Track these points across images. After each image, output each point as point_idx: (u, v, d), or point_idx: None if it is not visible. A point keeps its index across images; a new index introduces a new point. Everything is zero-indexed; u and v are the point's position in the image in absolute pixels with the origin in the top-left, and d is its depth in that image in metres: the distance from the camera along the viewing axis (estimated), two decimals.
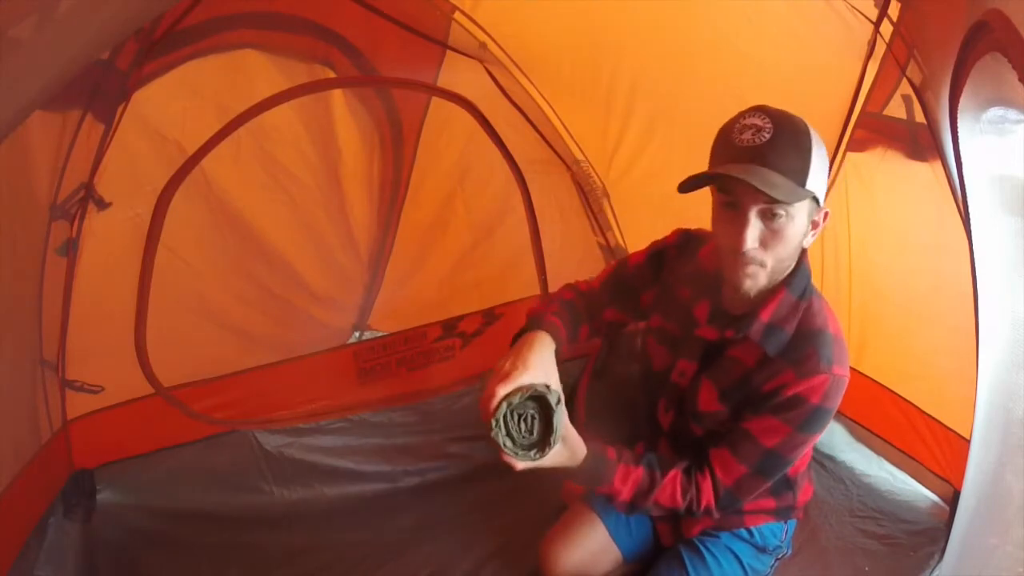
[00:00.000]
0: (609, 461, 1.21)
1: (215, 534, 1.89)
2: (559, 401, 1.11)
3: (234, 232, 1.91)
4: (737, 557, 1.42)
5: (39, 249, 1.52)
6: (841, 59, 1.80)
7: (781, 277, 1.20)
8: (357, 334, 2.23)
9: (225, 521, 1.93)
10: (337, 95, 1.96)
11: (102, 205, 1.68)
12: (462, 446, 2.23)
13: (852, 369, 2.11)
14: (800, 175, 1.09)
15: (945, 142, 1.30)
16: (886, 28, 1.64)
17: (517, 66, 2.17)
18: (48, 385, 1.66)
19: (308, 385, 2.12)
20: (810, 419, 1.18)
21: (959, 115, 1.15)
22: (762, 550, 1.46)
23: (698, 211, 2.27)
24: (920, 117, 1.63)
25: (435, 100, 2.12)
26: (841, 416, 2.25)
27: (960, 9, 1.06)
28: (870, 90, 1.83)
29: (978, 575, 1.18)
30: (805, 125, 1.12)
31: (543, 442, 1.10)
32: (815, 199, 1.13)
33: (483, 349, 2.36)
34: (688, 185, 1.17)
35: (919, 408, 1.95)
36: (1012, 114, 1.03)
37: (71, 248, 1.65)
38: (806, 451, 1.26)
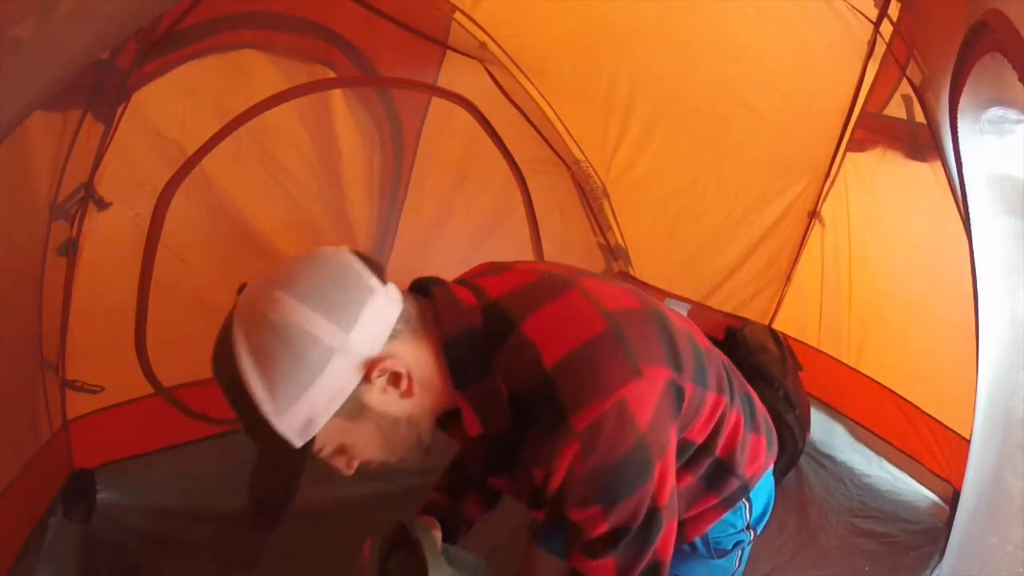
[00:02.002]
0: None
1: (215, 534, 1.89)
2: (426, 530, 0.96)
3: (234, 232, 1.91)
4: None
5: (39, 249, 1.52)
6: (841, 59, 1.80)
7: (427, 431, 0.90)
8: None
9: (225, 521, 1.93)
10: (337, 95, 1.96)
11: (102, 205, 1.68)
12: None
13: (851, 369, 2.16)
14: (282, 448, 0.77)
15: (945, 142, 1.30)
16: (886, 28, 1.65)
17: (517, 66, 2.17)
18: (48, 385, 1.66)
19: None
20: (603, 486, 0.83)
21: (959, 115, 1.15)
22: (719, 555, 1.15)
23: (698, 211, 2.29)
24: (920, 117, 1.63)
25: (435, 100, 2.12)
26: (841, 416, 2.25)
27: (960, 9, 1.06)
28: (870, 90, 1.84)
29: (978, 575, 1.18)
30: (234, 376, 0.76)
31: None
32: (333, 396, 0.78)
33: None
34: None
35: (919, 408, 1.95)
36: (1012, 114, 1.02)
37: (71, 248, 1.65)
38: (665, 482, 0.87)
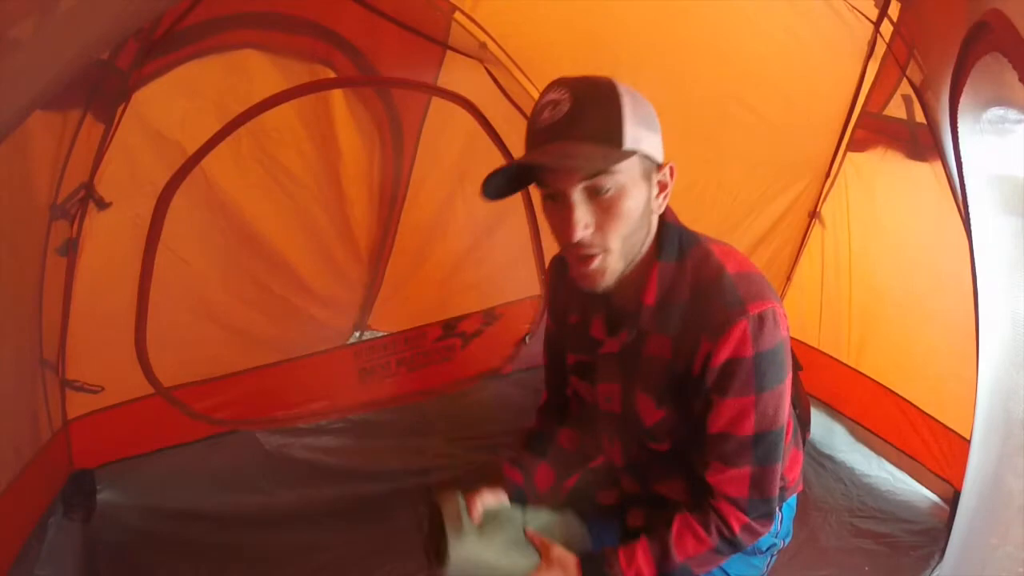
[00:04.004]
0: (606, 556, 1.07)
1: (215, 534, 1.89)
2: (452, 499, 1.02)
3: (234, 232, 1.91)
4: (722, 570, 1.20)
5: (39, 249, 1.52)
6: (841, 59, 1.80)
7: (641, 254, 1.03)
8: (357, 334, 2.23)
9: (225, 521, 1.93)
10: (337, 95, 1.96)
11: (102, 205, 1.68)
12: (462, 446, 2.23)
13: (851, 369, 2.16)
14: (613, 136, 0.94)
15: (945, 142, 1.30)
16: (886, 28, 1.65)
17: (517, 66, 2.18)
18: (48, 385, 1.66)
19: (308, 385, 2.12)
20: (761, 373, 1.01)
21: (959, 115, 1.15)
22: (753, 553, 1.25)
23: (699, 211, 2.29)
24: (920, 117, 1.63)
25: (435, 100, 2.12)
26: (841, 416, 2.25)
27: (960, 9, 1.06)
28: (870, 90, 1.84)
29: (978, 575, 1.18)
30: (610, 83, 0.99)
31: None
32: (647, 158, 0.98)
33: (483, 349, 2.36)
34: (491, 189, 1.02)
35: (919, 408, 1.95)
36: (1012, 114, 1.02)
37: (71, 248, 1.65)
38: (786, 403, 1.09)
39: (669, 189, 1.04)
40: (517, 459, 1.23)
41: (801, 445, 1.29)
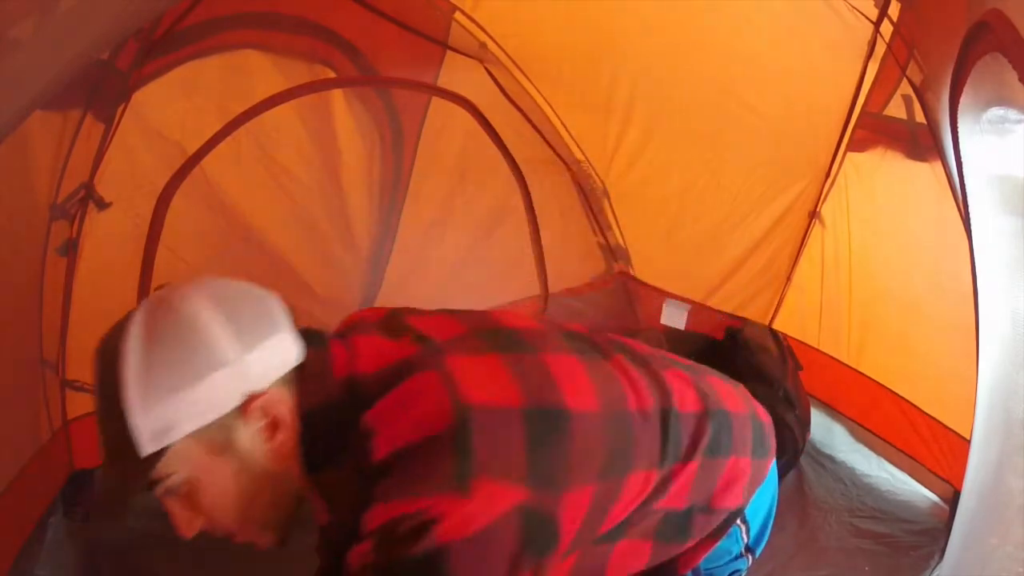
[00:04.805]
0: None
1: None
2: None
3: (234, 232, 1.91)
4: None
5: (39, 249, 1.52)
6: (841, 59, 1.80)
7: (287, 503, 0.80)
8: None
9: None
10: (337, 95, 1.96)
11: (102, 205, 1.68)
12: None
13: (851, 369, 2.15)
14: (126, 450, 0.68)
15: (945, 142, 1.30)
16: (886, 28, 1.65)
17: (517, 66, 2.18)
18: (48, 385, 1.66)
19: None
20: None
21: (959, 115, 1.15)
22: None
23: (699, 211, 2.29)
24: (920, 117, 1.63)
25: (435, 100, 2.12)
26: (841, 416, 2.25)
27: (960, 9, 1.06)
28: (870, 90, 1.84)
29: (978, 575, 1.18)
30: (114, 360, 0.68)
31: None
32: (203, 429, 0.70)
33: None
34: None
35: (919, 408, 1.95)
36: (1012, 114, 1.02)
37: (71, 248, 1.65)
38: None
39: (286, 417, 0.74)
40: None
41: (742, 448, 0.97)
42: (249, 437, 0.73)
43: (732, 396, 1.00)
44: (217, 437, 0.71)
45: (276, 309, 0.77)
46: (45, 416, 1.65)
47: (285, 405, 0.74)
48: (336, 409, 0.74)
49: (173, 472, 0.71)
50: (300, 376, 0.75)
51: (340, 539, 0.76)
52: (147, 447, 0.68)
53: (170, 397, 0.68)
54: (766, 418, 1.04)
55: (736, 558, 1.02)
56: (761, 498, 1.02)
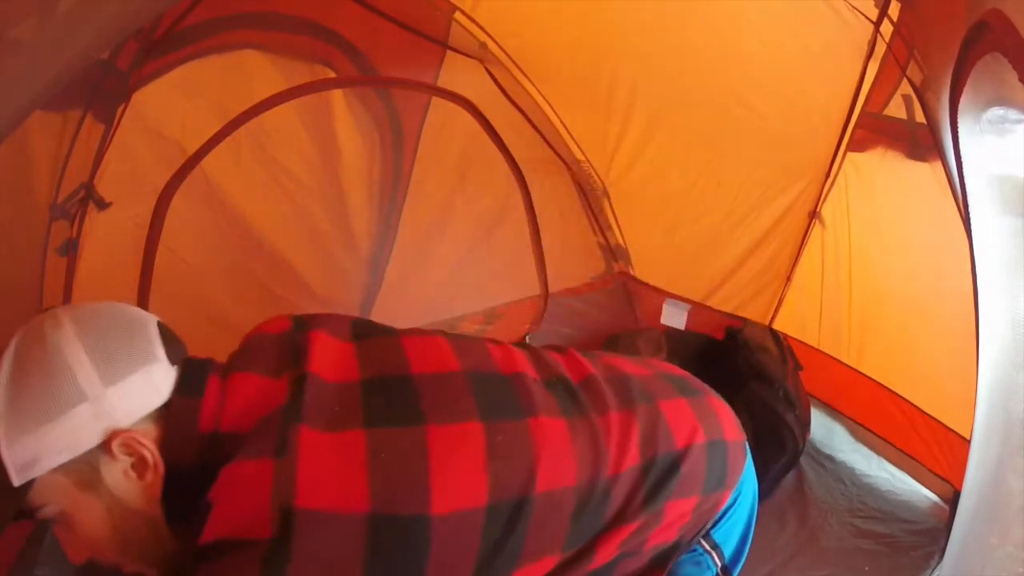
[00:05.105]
0: None
1: None
2: None
3: (234, 232, 1.91)
4: None
5: (39, 249, 1.51)
6: (841, 59, 1.80)
7: (170, 542, 0.76)
8: None
9: None
10: (337, 95, 1.96)
11: (102, 205, 1.68)
12: None
13: (851, 369, 2.15)
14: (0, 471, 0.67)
15: (945, 142, 1.30)
16: (886, 28, 1.65)
17: (517, 66, 2.18)
18: None
19: None
20: None
21: (959, 115, 1.15)
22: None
23: (699, 211, 2.29)
24: (920, 117, 1.63)
25: (435, 100, 2.12)
26: (841, 416, 2.25)
27: (960, 9, 1.06)
28: (870, 90, 1.83)
29: (978, 575, 1.18)
30: None
31: None
32: (74, 462, 0.68)
33: None
34: None
35: (919, 408, 1.95)
36: (1012, 114, 1.02)
37: (71, 248, 1.65)
38: None
39: (152, 456, 0.71)
40: None
41: (690, 479, 0.89)
42: (116, 474, 0.71)
43: (722, 419, 0.95)
44: (84, 472, 0.69)
45: (149, 341, 0.73)
46: None
47: (152, 444, 0.71)
48: (195, 466, 0.71)
49: (45, 503, 0.70)
50: (166, 420, 0.72)
51: None
52: (15, 479, 0.66)
53: (34, 430, 0.66)
54: (739, 436, 0.98)
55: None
56: (734, 521, 0.96)
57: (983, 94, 1.04)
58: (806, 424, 2.15)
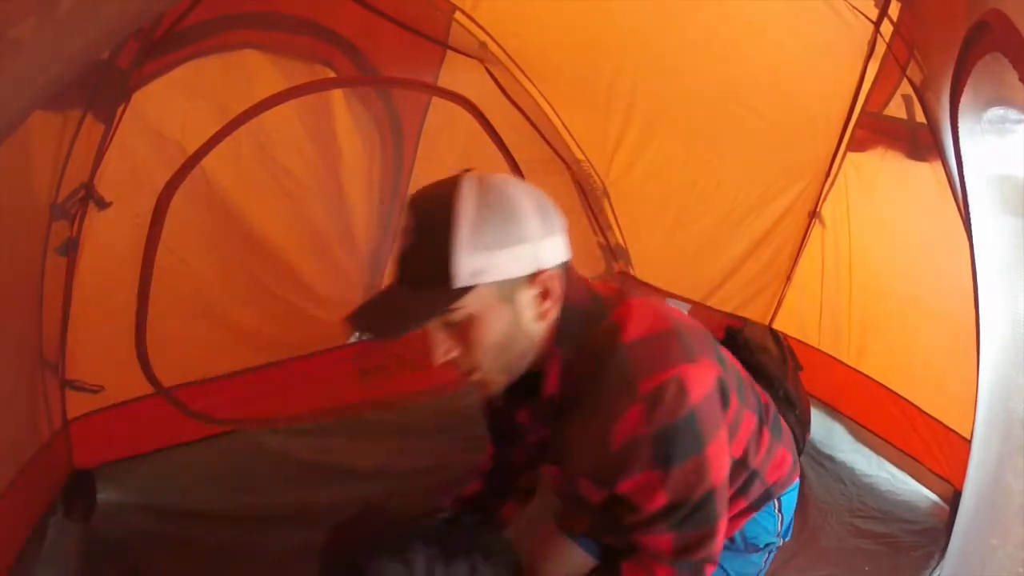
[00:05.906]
0: None
1: (215, 534, 1.89)
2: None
3: (234, 232, 1.91)
4: (722, 567, 1.21)
5: (39, 249, 1.52)
6: (841, 59, 1.80)
7: (528, 359, 0.99)
8: (357, 334, 2.23)
9: (225, 521, 1.93)
10: (337, 95, 1.96)
11: (102, 205, 1.68)
12: (462, 446, 2.23)
13: (851, 369, 2.15)
14: (439, 278, 0.87)
15: (945, 142, 1.30)
16: (886, 28, 1.65)
17: (517, 66, 2.18)
18: (48, 385, 1.66)
19: (308, 385, 2.12)
20: (663, 451, 0.93)
21: (959, 115, 1.15)
22: (752, 550, 1.29)
23: (699, 210, 2.29)
24: (920, 117, 1.63)
25: (435, 100, 2.12)
26: (841, 416, 2.25)
27: (960, 9, 1.06)
28: (870, 90, 1.83)
29: (978, 575, 1.18)
30: (451, 203, 0.88)
31: None
32: (504, 279, 0.90)
33: None
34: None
35: (919, 408, 1.95)
36: (1012, 114, 1.02)
37: (71, 248, 1.65)
38: (718, 465, 0.98)
39: (557, 292, 0.95)
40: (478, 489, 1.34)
41: (790, 441, 1.28)
42: (528, 298, 0.94)
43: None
44: (507, 290, 0.91)
45: (560, 216, 0.97)
46: (45, 416, 1.65)
47: (558, 284, 0.95)
48: (586, 304, 0.99)
49: (465, 307, 0.89)
50: (566, 272, 0.97)
51: (555, 410, 1.02)
52: (463, 281, 0.87)
53: (492, 249, 0.88)
54: (784, 421, 1.32)
55: (772, 535, 1.28)
56: (792, 493, 1.28)
57: (983, 94, 1.04)
58: (806, 424, 2.15)
